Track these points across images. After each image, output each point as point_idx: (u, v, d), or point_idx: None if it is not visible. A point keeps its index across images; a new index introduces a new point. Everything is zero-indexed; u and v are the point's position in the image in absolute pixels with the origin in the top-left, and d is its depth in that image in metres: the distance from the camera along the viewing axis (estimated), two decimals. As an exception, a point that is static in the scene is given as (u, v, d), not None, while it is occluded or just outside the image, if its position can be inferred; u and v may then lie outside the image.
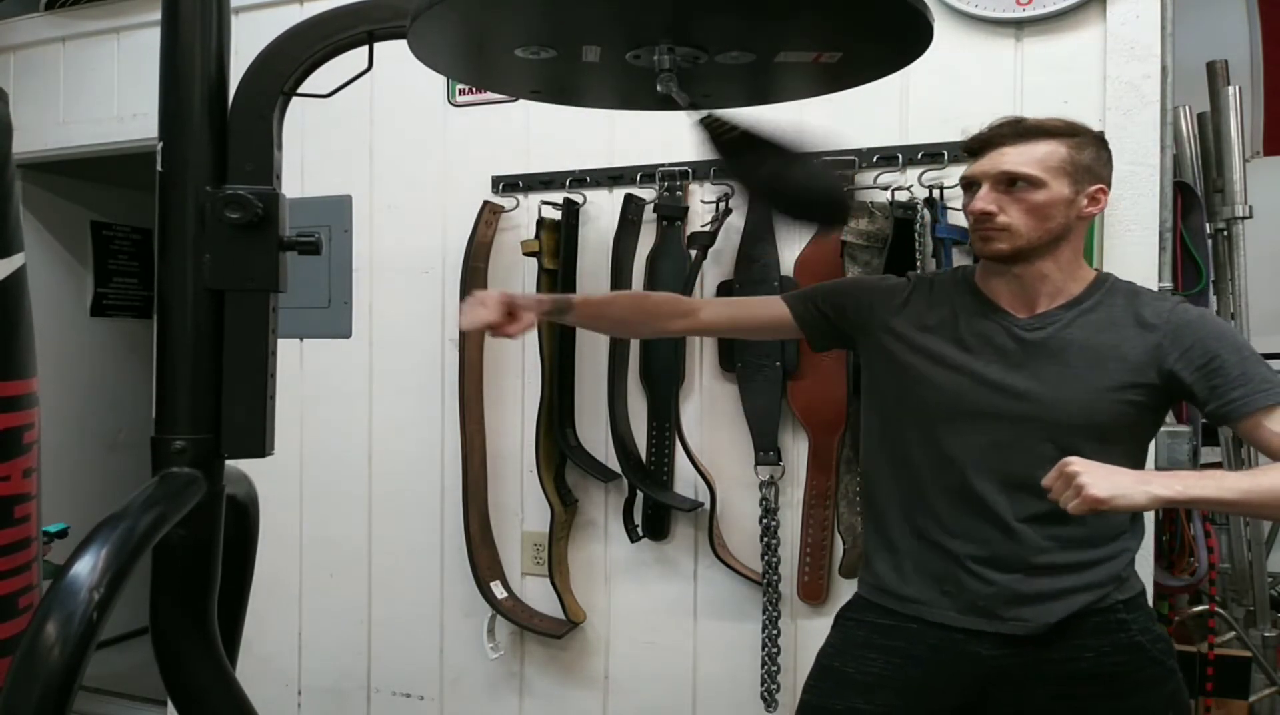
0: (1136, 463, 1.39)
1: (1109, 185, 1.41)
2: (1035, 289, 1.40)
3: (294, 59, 1.18)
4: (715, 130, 1.12)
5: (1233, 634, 2.17)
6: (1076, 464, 1.20)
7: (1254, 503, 1.26)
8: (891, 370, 1.48)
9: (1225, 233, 2.23)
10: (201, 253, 1.14)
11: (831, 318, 1.55)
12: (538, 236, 2.16)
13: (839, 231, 1.90)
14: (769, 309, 1.61)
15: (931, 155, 1.92)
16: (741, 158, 1.17)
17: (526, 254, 2.18)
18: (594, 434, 2.21)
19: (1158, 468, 1.80)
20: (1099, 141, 1.41)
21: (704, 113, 1.12)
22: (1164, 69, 1.81)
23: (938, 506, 1.43)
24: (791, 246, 2.04)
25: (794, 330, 1.59)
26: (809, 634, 2.06)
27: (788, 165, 1.18)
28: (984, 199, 1.37)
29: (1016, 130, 1.37)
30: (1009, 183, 1.36)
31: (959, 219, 1.91)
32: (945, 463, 1.42)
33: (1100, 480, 1.18)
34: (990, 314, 1.43)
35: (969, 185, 1.42)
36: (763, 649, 2.06)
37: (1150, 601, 1.58)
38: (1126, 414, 1.36)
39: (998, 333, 1.41)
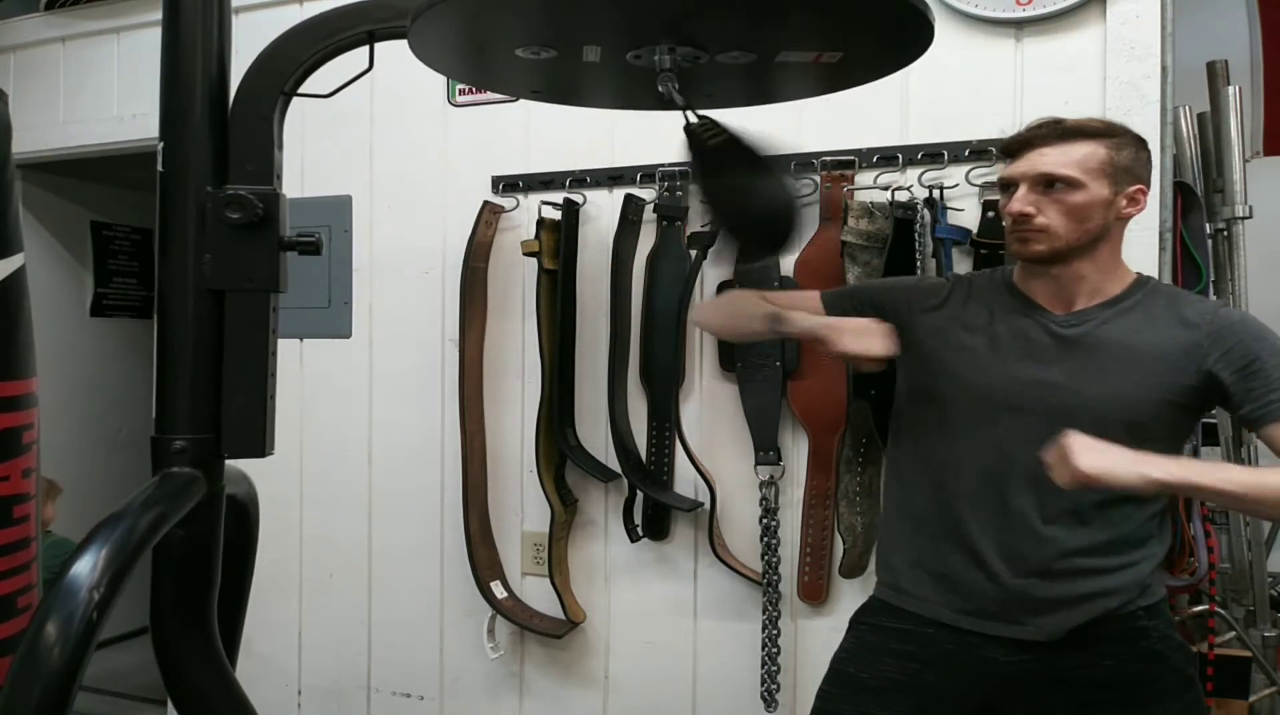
0: None
1: (1149, 185, 1.40)
2: (1073, 289, 1.40)
3: (294, 59, 1.18)
4: (702, 133, 1.11)
5: (1233, 634, 2.17)
6: (1073, 438, 1.19)
7: (1254, 499, 1.23)
8: (925, 367, 1.48)
9: (1225, 233, 2.23)
10: (202, 253, 1.14)
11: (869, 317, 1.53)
12: (538, 236, 2.16)
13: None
14: (805, 305, 1.58)
15: (931, 155, 1.92)
16: (717, 167, 1.15)
17: (526, 254, 2.18)
18: (594, 434, 2.21)
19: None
20: (1138, 142, 1.40)
21: (694, 118, 1.10)
22: (1164, 69, 1.81)
23: (961, 505, 1.41)
24: (791, 246, 2.04)
25: None
26: (809, 634, 2.06)
27: (756, 183, 1.16)
28: (1021, 200, 1.36)
29: (1056, 131, 1.36)
30: (1047, 184, 1.35)
31: (959, 219, 1.91)
32: (972, 460, 1.41)
33: (1092, 456, 1.17)
34: (1028, 311, 1.42)
35: (1006, 186, 1.41)
36: (763, 649, 2.06)
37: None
38: (1162, 413, 1.35)
39: (1034, 328, 1.41)
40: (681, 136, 1.10)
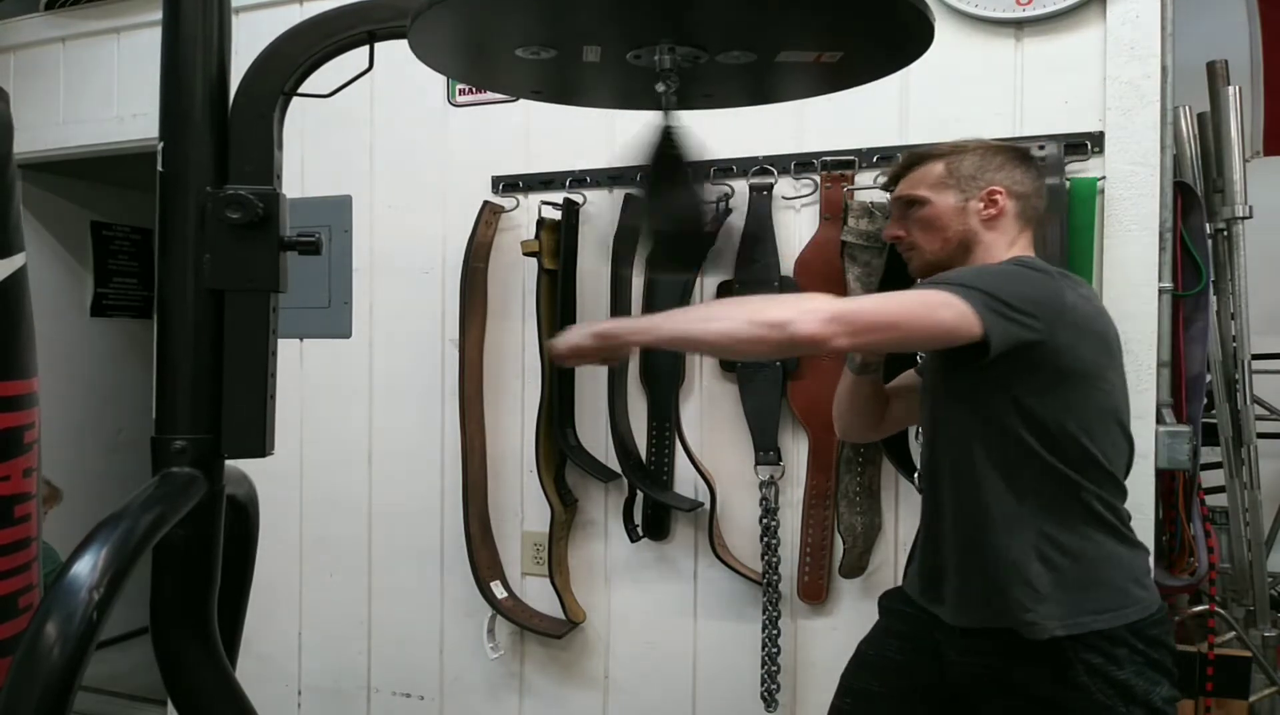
0: (1016, 441, 1.35)
1: (1008, 185, 1.46)
2: None
3: (294, 59, 1.17)
4: (665, 143, 1.09)
5: (1233, 634, 2.17)
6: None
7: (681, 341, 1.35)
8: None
9: (1225, 233, 2.23)
10: (201, 253, 1.14)
11: None
12: (538, 236, 2.16)
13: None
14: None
15: (931, 155, 1.92)
16: (660, 178, 1.14)
17: (526, 254, 2.18)
18: (594, 434, 2.21)
19: (1157, 469, 1.81)
20: (988, 150, 1.49)
21: (667, 120, 1.09)
22: (1164, 69, 1.81)
23: (926, 496, 1.56)
24: (791, 246, 2.04)
25: None
26: (809, 634, 2.06)
27: (692, 200, 1.15)
28: (891, 225, 1.55)
29: (906, 163, 1.53)
30: (907, 206, 1.50)
31: (959, 219, 1.92)
32: (922, 457, 1.57)
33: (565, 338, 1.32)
34: None
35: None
36: (763, 649, 2.06)
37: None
38: (966, 378, 1.37)
39: None
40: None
